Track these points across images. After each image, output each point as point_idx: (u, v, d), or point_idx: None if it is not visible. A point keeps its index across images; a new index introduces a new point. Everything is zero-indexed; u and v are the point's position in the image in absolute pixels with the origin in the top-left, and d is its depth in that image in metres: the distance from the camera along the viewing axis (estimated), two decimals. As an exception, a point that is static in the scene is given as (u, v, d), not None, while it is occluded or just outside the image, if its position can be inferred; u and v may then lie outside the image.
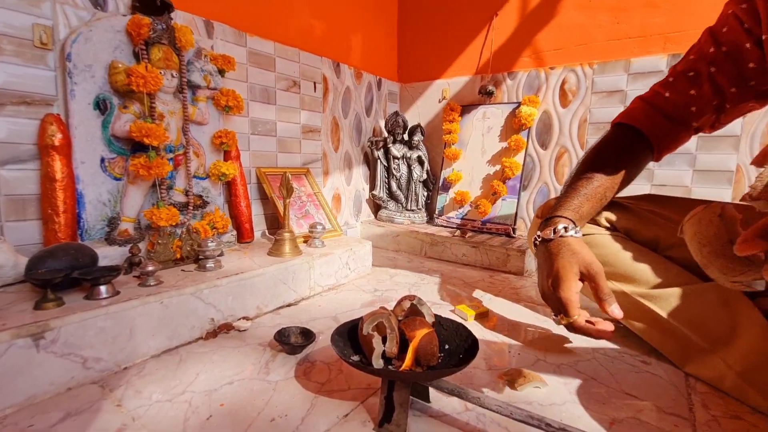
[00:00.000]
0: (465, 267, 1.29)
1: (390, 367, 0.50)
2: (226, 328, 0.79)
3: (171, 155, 0.91)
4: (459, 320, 0.59)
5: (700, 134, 0.84)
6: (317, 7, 1.36)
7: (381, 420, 0.50)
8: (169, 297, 0.71)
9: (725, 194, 1.12)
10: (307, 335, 0.73)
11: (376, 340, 0.48)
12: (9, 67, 0.73)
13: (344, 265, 1.11)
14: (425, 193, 1.63)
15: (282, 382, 0.62)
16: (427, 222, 1.60)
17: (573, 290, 0.64)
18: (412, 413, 0.53)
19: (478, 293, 1.05)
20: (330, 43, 1.42)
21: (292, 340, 0.72)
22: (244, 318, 0.83)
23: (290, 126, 1.29)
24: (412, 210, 1.59)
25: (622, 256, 0.77)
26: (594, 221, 0.83)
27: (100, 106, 0.83)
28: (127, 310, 0.66)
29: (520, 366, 0.67)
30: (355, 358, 0.51)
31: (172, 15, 0.90)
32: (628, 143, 0.78)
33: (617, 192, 0.79)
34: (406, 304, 0.55)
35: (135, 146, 0.86)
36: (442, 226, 1.52)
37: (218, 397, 0.58)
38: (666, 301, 0.69)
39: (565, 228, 0.69)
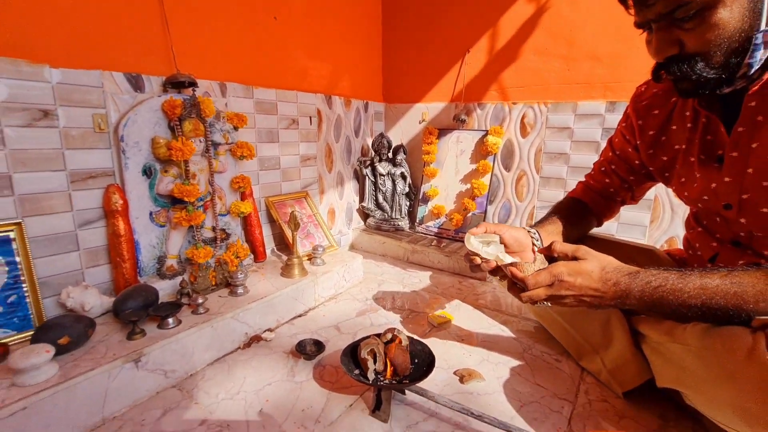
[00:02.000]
0: (440, 273, 1.57)
1: (379, 376, 0.78)
2: (257, 339, 1.06)
3: (201, 203, 1.14)
4: (425, 341, 0.87)
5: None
6: (311, 50, 1.55)
7: (374, 408, 0.79)
8: (216, 322, 0.97)
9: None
10: (319, 345, 1.01)
11: (370, 363, 0.76)
12: (78, 152, 0.94)
13: (341, 278, 1.37)
14: (408, 203, 1.88)
15: (305, 382, 0.89)
16: (410, 228, 1.87)
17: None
18: (393, 403, 0.81)
19: (447, 299, 1.33)
20: (322, 80, 1.62)
21: (308, 350, 0.99)
22: (268, 330, 1.10)
23: (291, 158, 1.51)
24: (396, 218, 1.85)
25: None
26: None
27: (147, 172, 1.05)
28: (190, 335, 0.92)
29: (470, 365, 0.96)
30: (356, 371, 0.79)
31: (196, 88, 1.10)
32: (579, 209, 1.04)
33: (570, 240, 1.04)
34: (389, 336, 0.82)
35: (174, 200, 1.09)
36: (422, 233, 1.79)
37: (264, 394, 0.85)
38: (570, 317, 0.98)
39: (531, 233, 0.95)
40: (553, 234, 0.99)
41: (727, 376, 0.58)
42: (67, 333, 0.78)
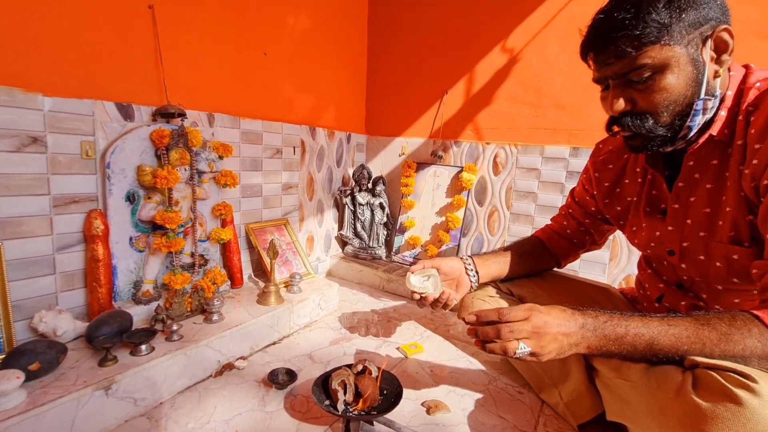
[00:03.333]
0: (413, 303, 1.61)
1: (349, 407, 0.81)
2: (229, 367, 1.07)
3: (182, 230, 1.16)
4: (394, 373, 0.91)
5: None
6: (297, 83, 1.62)
7: (342, 439, 0.81)
8: (190, 349, 0.98)
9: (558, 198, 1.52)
10: (291, 375, 1.03)
11: (340, 394, 0.79)
12: (63, 177, 0.97)
13: (317, 306, 1.40)
14: (385, 233, 1.94)
15: (275, 412, 0.91)
16: (386, 257, 1.92)
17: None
18: (362, 434, 0.84)
19: (419, 329, 1.37)
20: (307, 112, 1.69)
21: (280, 379, 1.01)
22: (241, 358, 1.11)
23: (273, 186, 1.55)
24: (373, 247, 1.90)
25: None
26: (498, 288, 1.18)
27: (130, 198, 1.07)
28: (162, 363, 0.92)
29: (438, 396, 1.00)
30: (327, 402, 0.81)
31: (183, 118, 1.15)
32: (537, 247, 1.13)
33: (519, 273, 1.13)
34: (359, 367, 0.86)
35: (155, 226, 1.11)
36: (398, 262, 1.84)
37: (234, 424, 0.86)
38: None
39: (465, 260, 1.03)
40: (493, 266, 1.07)
41: (659, 411, 0.64)
42: (39, 359, 0.78)
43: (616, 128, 0.76)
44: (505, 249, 1.12)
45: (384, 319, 1.44)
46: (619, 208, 0.97)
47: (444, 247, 1.73)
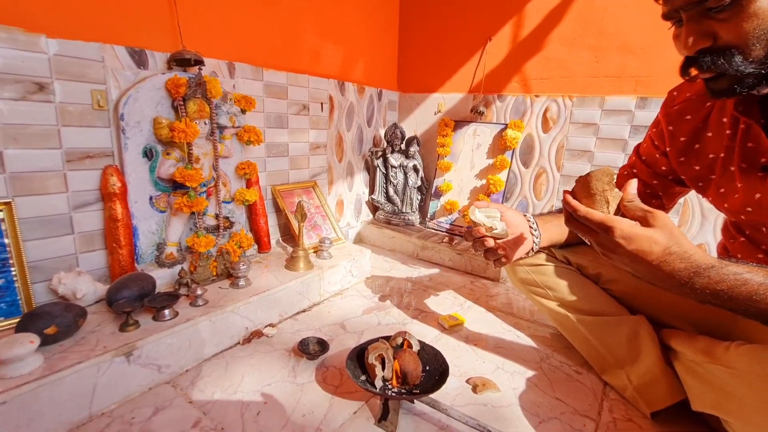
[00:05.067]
0: (450, 271, 1.50)
1: (387, 384, 0.72)
2: (257, 334, 1.00)
3: (204, 189, 1.08)
4: (437, 347, 0.81)
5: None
6: (324, 32, 1.47)
7: (380, 418, 0.73)
8: (215, 315, 0.91)
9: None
10: (323, 345, 0.95)
11: (378, 369, 0.69)
12: (75, 130, 0.89)
13: (348, 273, 1.31)
14: (419, 197, 1.81)
15: (307, 384, 0.84)
16: (420, 223, 1.80)
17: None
18: (401, 412, 0.75)
19: (459, 300, 1.26)
20: (335, 65, 1.55)
21: (311, 349, 0.94)
22: (270, 325, 1.05)
23: (300, 145, 1.44)
24: (407, 212, 1.78)
25: (562, 284, 0.98)
26: (553, 255, 1.04)
27: (147, 153, 0.99)
28: (187, 329, 0.86)
29: (484, 373, 0.90)
30: (363, 377, 0.73)
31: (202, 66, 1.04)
32: None
33: (578, 239, 0.98)
34: (399, 340, 0.76)
35: (176, 184, 1.03)
36: (432, 229, 1.72)
37: (262, 396, 0.80)
38: (592, 326, 0.91)
39: (528, 218, 0.89)
40: (555, 229, 0.93)
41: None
42: (55, 323, 0.73)
43: (693, 71, 0.60)
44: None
45: (419, 288, 1.34)
46: (697, 168, 0.80)
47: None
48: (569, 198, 0.63)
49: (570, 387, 0.87)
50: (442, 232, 1.68)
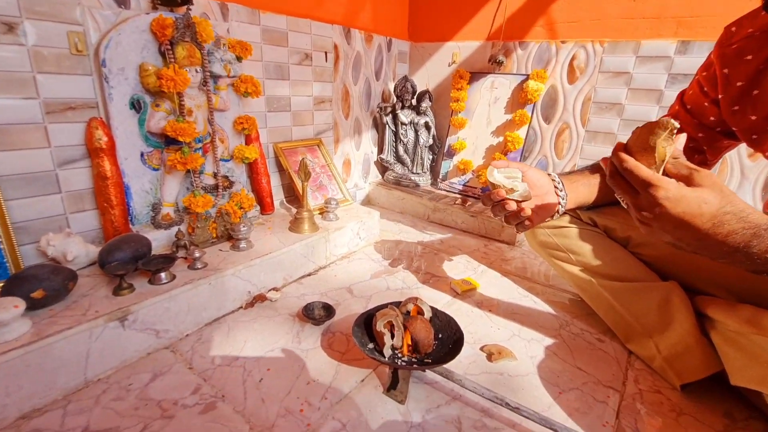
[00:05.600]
0: (463, 234, 1.43)
1: (397, 353, 0.67)
2: (261, 298, 0.96)
3: (200, 145, 1.00)
4: (449, 314, 0.75)
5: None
6: (327, -31, 1.33)
7: (389, 387, 0.68)
8: (215, 279, 0.87)
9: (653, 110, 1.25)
10: (328, 309, 0.90)
11: (387, 338, 0.64)
12: (52, 77, 0.80)
13: (355, 235, 1.25)
14: (431, 157, 1.71)
15: (312, 351, 0.79)
16: (431, 184, 1.71)
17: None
18: (411, 381, 0.71)
19: (472, 264, 1.20)
20: (340, 8, 1.40)
21: (316, 314, 0.89)
22: (273, 289, 1.00)
23: (303, 99, 1.34)
24: (417, 173, 1.69)
25: (587, 247, 0.91)
26: (577, 217, 0.95)
27: (135, 105, 0.90)
28: (185, 293, 0.81)
29: (499, 340, 0.84)
30: (370, 346, 0.67)
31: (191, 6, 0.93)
32: None
33: (607, 199, 0.89)
34: (410, 306, 0.70)
35: (168, 140, 0.95)
36: (444, 190, 1.63)
37: (265, 362, 0.76)
38: (619, 292, 0.84)
39: (553, 177, 0.80)
40: (582, 188, 0.84)
41: None
42: (42, 286, 0.68)
43: None
44: (592, 169, 0.88)
45: (430, 251, 1.28)
46: (754, 117, 0.69)
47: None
48: (619, 149, 0.54)
49: (592, 356, 0.81)
50: (455, 193, 1.59)
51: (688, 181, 0.51)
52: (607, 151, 1.33)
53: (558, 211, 0.81)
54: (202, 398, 0.67)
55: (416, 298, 0.72)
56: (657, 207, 0.51)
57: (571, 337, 0.87)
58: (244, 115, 1.09)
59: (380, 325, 0.65)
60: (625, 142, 0.55)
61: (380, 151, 1.72)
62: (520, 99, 1.44)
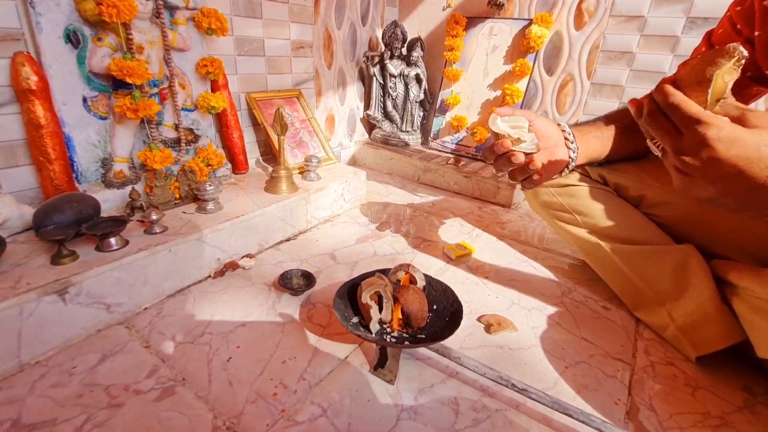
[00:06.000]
0: (456, 196, 1.33)
1: (385, 327, 0.58)
2: (232, 266, 0.86)
3: (156, 90, 0.86)
4: (447, 283, 0.66)
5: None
6: None
7: (376, 365, 0.60)
8: (176, 245, 0.75)
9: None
10: (308, 278, 0.80)
11: (374, 311, 0.55)
12: (-42, -5, 0.64)
13: (339, 197, 1.14)
14: (422, 114, 1.58)
15: (288, 325, 0.70)
16: (422, 144, 1.59)
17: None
18: (402, 357, 0.63)
19: (466, 227, 1.11)
20: (320, -66, 1.22)
21: (294, 283, 0.79)
22: (247, 256, 0.90)
23: (279, 43, 1.18)
24: (407, 131, 1.56)
25: (596, 208, 0.82)
26: (586, 174, 0.86)
27: (72, 38, 0.75)
28: (139, 261, 0.70)
29: (497, 310, 0.76)
30: (354, 321, 0.58)
31: None
32: None
33: (621, 154, 0.79)
34: (401, 274, 0.61)
35: (117, 82, 0.81)
36: (436, 150, 1.52)
37: (234, 338, 0.66)
38: (630, 256, 0.76)
39: (563, 128, 0.70)
40: (594, 141, 0.74)
41: None
42: (-45, 253, 0.56)
43: None
44: (605, 120, 0.78)
45: (421, 214, 1.18)
46: None
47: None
48: (667, 82, 0.44)
49: (598, 325, 0.74)
50: (447, 153, 1.48)
51: (740, 122, 0.41)
52: (613, 106, 1.22)
53: (568, 167, 0.71)
54: (158, 382, 0.58)
55: (408, 265, 0.62)
56: (705, 149, 0.41)
57: (574, 304, 0.80)
58: (208, 57, 0.94)
59: (366, 297, 0.56)
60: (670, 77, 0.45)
61: (367, 106, 1.58)
62: (521, 47, 1.30)
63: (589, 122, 0.78)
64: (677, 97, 0.42)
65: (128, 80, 0.76)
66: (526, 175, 0.63)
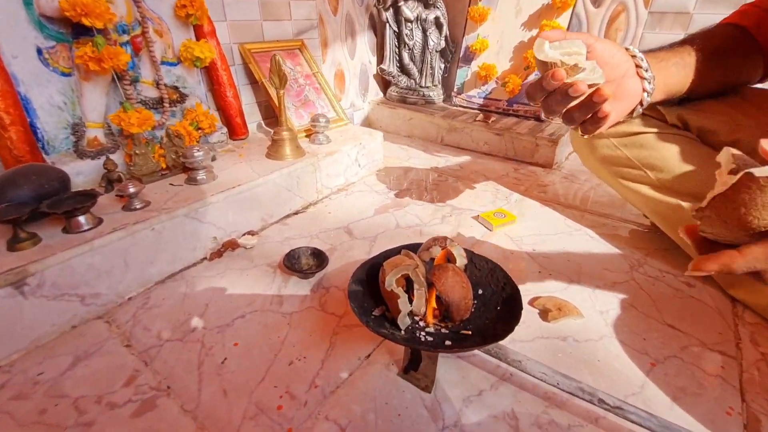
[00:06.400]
0: (487, 157, 1.16)
1: (419, 323, 0.44)
2: (231, 245, 0.73)
3: (126, 38, 0.71)
4: (494, 260, 0.51)
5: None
6: None
7: (407, 366, 0.47)
8: (159, 222, 0.63)
9: None
10: (319, 257, 0.67)
11: (403, 302, 0.41)
12: None
13: (353, 162, 0.99)
14: (442, 66, 1.39)
15: (297, 315, 0.58)
16: (444, 101, 1.41)
17: None
18: (440, 355, 0.50)
19: (502, 192, 0.95)
20: None
21: (303, 263, 0.67)
22: (249, 233, 0.77)
23: (275, -18, 1.01)
24: (427, 87, 1.38)
25: (674, 160, 0.65)
26: (660, 117, 0.68)
27: (10, -31, 0.60)
28: (115, 242, 0.58)
29: (552, 291, 0.62)
30: (376, 312, 0.45)
31: None
32: (737, 41, 0.61)
33: (707, 88, 0.61)
34: (436, 251, 0.46)
35: (77, 29, 0.66)
36: (461, 106, 1.33)
37: (231, 334, 0.55)
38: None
39: (633, 53, 0.53)
40: (674, 71, 0.56)
41: None
42: None
43: None
44: (686, 43, 0.59)
45: (449, 179, 1.02)
46: None
47: (532, 77, 1.18)
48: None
49: (684, 307, 0.59)
50: (474, 109, 1.30)
51: None
52: (677, 38, 1.00)
53: (642, 103, 0.53)
54: (138, 392, 0.46)
55: (444, 238, 0.48)
56: None
57: (648, 282, 0.64)
58: (187, -4, 0.78)
59: (391, 282, 0.42)
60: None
61: (380, 60, 1.39)
62: (563, -28, 1.08)
63: (665, 47, 0.60)
64: None
65: (85, 22, 0.62)
66: (588, 113, 0.47)
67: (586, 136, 0.52)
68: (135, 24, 0.72)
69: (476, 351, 0.49)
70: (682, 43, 0.59)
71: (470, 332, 0.42)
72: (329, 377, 0.48)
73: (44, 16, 0.64)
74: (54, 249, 0.54)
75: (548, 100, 0.46)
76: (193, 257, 0.69)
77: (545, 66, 0.44)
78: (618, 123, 0.55)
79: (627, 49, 0.52)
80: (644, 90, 0.52)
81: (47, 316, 0.53)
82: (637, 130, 0.68)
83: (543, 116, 1.15)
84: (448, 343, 0.41)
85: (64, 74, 0.69)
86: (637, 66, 0.52)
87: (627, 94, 0.51)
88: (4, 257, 0.52)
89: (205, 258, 0.71)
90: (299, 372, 0.49)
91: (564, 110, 0.47)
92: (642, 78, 0.52)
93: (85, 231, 0.58)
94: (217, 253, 0.72)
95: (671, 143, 0.66)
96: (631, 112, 0.54)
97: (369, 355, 0.51)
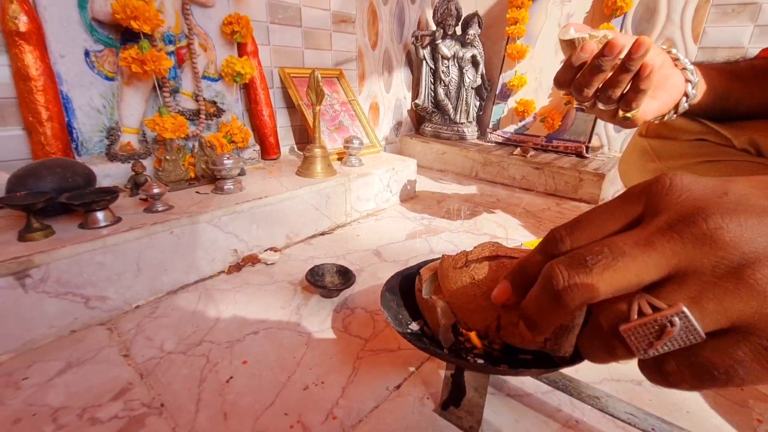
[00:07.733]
0: (525, 192, 1.10)
1: (462, 344, 0.36)
2: (252, 260, 0.68)
3: (171, 47, 0.73)
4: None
5: None
6: None
7: (446, 401, 0.38)
8: (180, 226, 0.59)
9: None
10: (345, 275, 0.61)
11: (443, 309, 0.34)
12: None
13: (385, 187, 0.95)
14: (477, 103, 1.38)
15: (316, 335, 0.50)
16: (479, 138, 1.38)
17: None
18: (488, 390, 0.41)
19: (543, 224, 0.87)
20: None
21: (327, 281, 0.60)
22: (271, 249, 0.72)
23: (318, 13, 1.04)
24: (462, 123, 1.36)
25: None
26: (728, 143, 0.60)
27: (72, -24, 0.63)
28: (130, 242, 0.54)
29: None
30: (414, 326, 0.37)
31: None
32: None
33: (758, 103, 0.54)
34: (484, 252, 0.39)
35: (125, 35, 0.68)
36: (496, 142, 1.30)
37: (241, 350, 0.48)
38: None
39: (671, 51, 0.47)
40: (717, 74, 0.50)
41: None
42: None
43: None
44: (733, 62, 0.54)
45: (485, 210, 0.96)
46: None
47: (573, 113, 1.14)
48: None
49: None
50: (510, 144, 1.26)
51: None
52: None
53: (688, 96, 0.46)
54: (127, 407, 0.39)
55: (494, 244, 0.41)
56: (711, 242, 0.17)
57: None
58: (234, 14, 0.80)
59: (428, 290, 0.35)
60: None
61: (415, 95, 1.40)
62: (605, 9, 1.07)
63: (715, 63, 0.54)
64: None
65: (134, 25, 0.63)
66: (628, 77, 0.40)
67: (629, 115, 0.45)
68: (182, 36, 0.74)
69: (534, 391, 0.40)
70: (733, 61, 0.54)
71: (530, 356, 0.34)
72: (351, 408, 0.39)
73: (96, 20, 0.66)
74: (64, 242, 0.50)
75: (580, 79, 0.41)
76: (210, 269, 0.64)
77: (572, 45, 0.40)
78: (671, 115, 0.48)
79: (668, 51, 0.47)
80: (687, 80, 0.46)
81: (46, 315, 0.48)
82: (703, 158, 0.61)
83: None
84: (503, 366, 0.32)
85: (107, 78, 0.69)
86: (674, 59, 0.47)
87: (667, 83, 0.45)
88: (11, 245, 0.48)
89: (222, 271, 0.65)
90: (315, 399, 0.41)
91: (600, 86, 0.41)
92: (682, 69, 0.46)
93: (101, 227, 0.54)
94: (236, 267, 0.66)
95: (745, 173, 0.58)
96: (676, 107, 0.47)
97: (399, 386, 0.42)
